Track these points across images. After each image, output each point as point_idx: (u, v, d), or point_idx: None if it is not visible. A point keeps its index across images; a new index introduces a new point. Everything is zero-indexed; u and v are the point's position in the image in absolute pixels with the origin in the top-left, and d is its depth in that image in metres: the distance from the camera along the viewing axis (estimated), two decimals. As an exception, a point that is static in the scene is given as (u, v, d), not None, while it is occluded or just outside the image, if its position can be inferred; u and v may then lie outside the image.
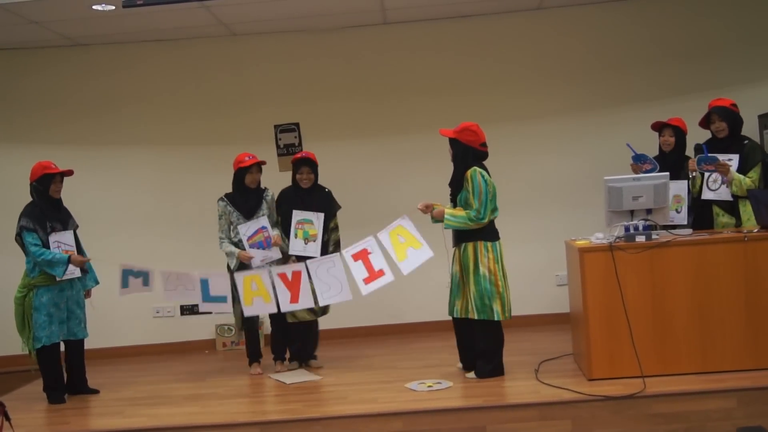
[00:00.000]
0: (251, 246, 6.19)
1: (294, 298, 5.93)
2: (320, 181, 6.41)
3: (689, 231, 5.74)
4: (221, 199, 6.36)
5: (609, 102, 7.55)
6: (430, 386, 5.61)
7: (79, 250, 6.17)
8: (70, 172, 6.10)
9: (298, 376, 6.20)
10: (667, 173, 5.63)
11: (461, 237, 5.66)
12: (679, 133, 6.16)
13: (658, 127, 6.25)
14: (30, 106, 7.78)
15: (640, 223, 5.44)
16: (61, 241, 5.98)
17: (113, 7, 6.50)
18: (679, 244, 5.37)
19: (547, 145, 7.61)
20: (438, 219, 5.64)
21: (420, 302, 7.47)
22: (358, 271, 5.79)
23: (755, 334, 5.31)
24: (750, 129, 7.02)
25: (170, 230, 7.72)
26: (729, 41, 7.46)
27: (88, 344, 6.30)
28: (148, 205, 7.75)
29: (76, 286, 6.12)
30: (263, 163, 6.39)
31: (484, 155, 5.74)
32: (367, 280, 5.78)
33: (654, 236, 5.42)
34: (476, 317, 5.59)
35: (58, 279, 5.89)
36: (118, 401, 5.96)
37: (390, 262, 5.83)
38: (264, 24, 7.46)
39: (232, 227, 6.31)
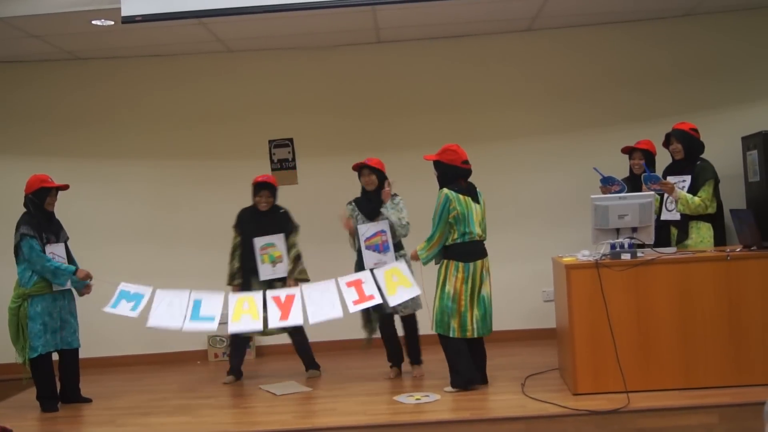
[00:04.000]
0: (367, 248, 6.30)
1: (284, 316, 6.01)
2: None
3: (674, 249, 5.86)
4: (350, 203, 6.48)
5: (596, 122, 7.67)
6: (418, 399, 5.68)
7: (71, 261, 6.25)
8: (65, 187, 6.20)
9: (289, 388, 6.27)
10: (653, 193, 5.75)
11: (447, 254, 5.84)
12: (649, 156, 6.38)
13: (628, 150, 6.49)
14: (29, 118, 7.87)
15: (626, 241, 5.54)
16: (55, 253, 6.07)
17: (112, 23, 6.60)
18: (663, 262, 5.47)
19: (536, 163, 7.72)
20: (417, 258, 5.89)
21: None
22: (350, 294, 5.95)
23: (737, 351, 5.41)
24: (733, 150, 7.20)
25: (165, 243, 7.78)
26: (714, 65, 7.59)
27: (82, 354, 6.35)
28: (143, 217, 7.82)
29: (68, 296, 6.20)
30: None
31: (467, 172, 5.91)
32: (356, 302, 5.93)
33: (639, 254, 5.53)
34: (434, 331, 5.86)
35: (53, 288, 5.97)
36: (111, 410, 6.02)
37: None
38: (259, 41, 7.57)
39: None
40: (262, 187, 6.52)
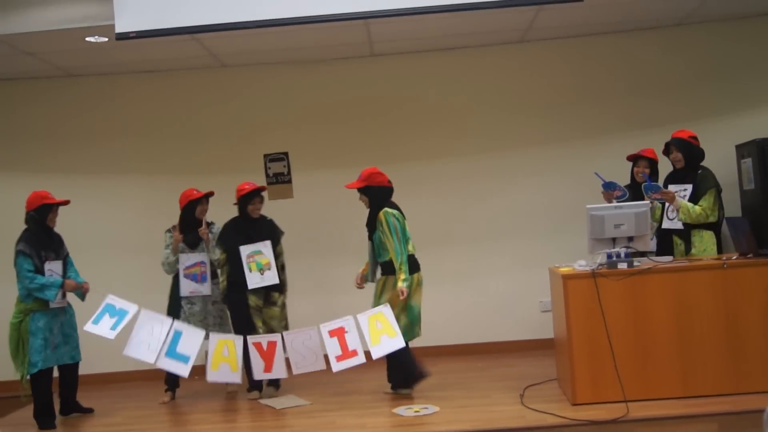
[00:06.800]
0: (185, 276, 6.52)
1: (267, 368, 5.96)
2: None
3: (670, 258, 5.88)
4: (168, 230, 6.63)
5: (590, 131, 7.70)
6: (417, 411, 5.67)
7: (67, 273, 6.24)
8: (66, 202, 6.23)
9: (288, 402, 6.25)
10: (648, 202, 5.77)
11: (385, 270, 6.12)
12: (653, 164, 6.42)
13: (633, 158, 6.51)
14: (23, 135, 7.87)
15: (622, 251, 5.56)
16: (53, 270, 6.09)
17: (106, 39, 6.61)
18: (660, 271, 5.49)
19: (531, 173, 7.75)
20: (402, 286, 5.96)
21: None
22: (333, 347, 5.87)
23: (735, 360, 5.42)
24: (728, 159, 7.22)
25: (159, 259, 7.76)
26: (707, 74, 7.63)
27: (79, 370, 6.34)
28: (138, 233, 7.78)
29: (68, 311, 6.22)
30: (211, 194, 6.67)
31: (392, 190, 6.25)
32: (339, 358, 5.85)
33: (636, 263, 5.54)
34: None
35: (51, 305, 5.96)
36: (107, 427, 6.00)
37: (363, 342, 5.91)
38: (253, 56, 7.59)
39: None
40: (256, 194, 6.52)
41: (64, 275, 6.22)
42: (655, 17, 7.34)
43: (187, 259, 6.58)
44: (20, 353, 5.99)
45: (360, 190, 6.23)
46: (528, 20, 7.05)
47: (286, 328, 6.50)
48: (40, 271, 5.99)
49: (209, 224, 6.65)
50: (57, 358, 6.09)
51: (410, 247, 6.12)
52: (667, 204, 6.12)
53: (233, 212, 6.63)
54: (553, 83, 7.77)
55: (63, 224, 6.41)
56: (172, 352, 5.91)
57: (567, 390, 5.68)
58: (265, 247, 6.46)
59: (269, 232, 6.56)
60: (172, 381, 6.61)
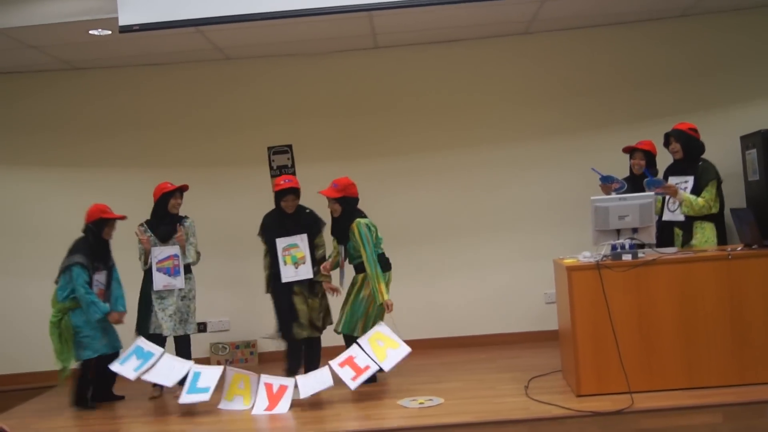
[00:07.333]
0: (159, 270, 6.51)
1: (270, 407, 5.88)
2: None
3: (674, 249, 5.88)
4: (141, 224, 6.62)
5: (594, 123, 7.68)
6: (421, 403, 5.68)
7: (111, 286, 6.45)
8: (123, 218, 6.41)
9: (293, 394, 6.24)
10: (653, 193, 5.76)
11: (359, 270, 6.35)
12: (650, 156, 6.41)
13: (629, 150, 6.53)
14: (27, 128, 7.87)
15: (627, 242, 5.55)
16: (99, 280, 6.35)
17: (110, 32, 6.61)
18: (664, 263, 5.48)
19: (535, 165, 7.74)
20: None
21: (411, 320, 7.51)
22: (346, 373, 5.90)
23: (740, 350, 5.41)
24: (732, 150, 7.22)
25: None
26: (711, 64, 7.61)
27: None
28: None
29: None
30: (185, 188, 6.64)
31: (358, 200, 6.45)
32: (354, 378, 5.87)
33: (640, 255, 5.53)
34: (339, 330, 6.39)
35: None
36: (113, 419, 6.06)
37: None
38: (257, 48, 7.59)
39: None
40: (287, 193, 6.44)
41: (108, 285, 6.43)
42: (658, 9, 7.32)
43: (160, 252, 6.54)
44: (65, 348, 6.21)
45: (335, 199, 6.30)
46: (532, 12, 7.03)
47: (324, 323, 6.52)
48: (90, 282, 6.21)
49: (182, 218, 6.64)
50: (104, 346, 6.29)
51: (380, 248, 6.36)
52: (667, 196, 6.12)
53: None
54: (556, 75, 7.75)
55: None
56: (192, 389, 5.98)
57: (571, 381, 5.69)
58: (302, 240, 6.42)
59: (308, 224, 6.50)
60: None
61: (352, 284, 6.39)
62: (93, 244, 6.30)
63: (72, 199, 7.51)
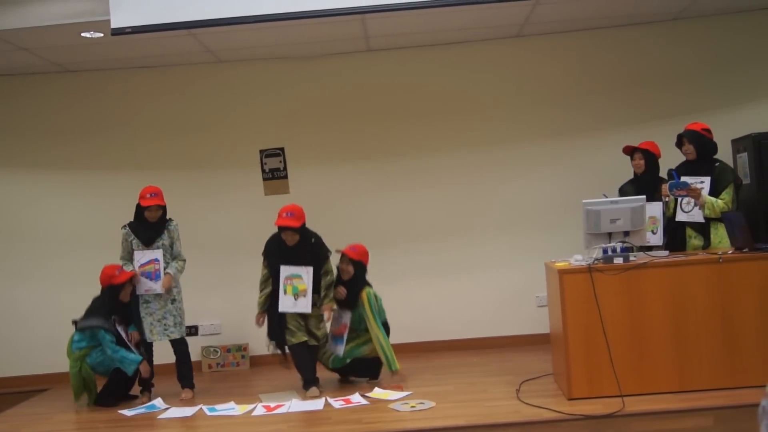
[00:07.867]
0: (141, 274, 6.48)
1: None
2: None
3: (666, 253, 5.89)
4: (124, 226, 6.58)
5: (587, 126, 7.69)
6: (413, 406, 5.68)
7: (130, 324, 6.55)
8: (132, 275, 6.40)
9: (286, 398, 6.24)
10: (644, 196, 5.77)
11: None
12: (650, 156, 6.40)
13: (629, 150, 6.52)
14: (18, 130, 7.85)
15: (618, 245, 5.56)
16: (121, 330, 6.44)
17: (102, 35, 6.59)
18: (656, 266, 5.50)
19: (527, 168, 7.74)
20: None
21: (403, 324, 7.51)
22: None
23: (731, 354, 5.43)
24: (724, 153, 7.18)
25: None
26: (703, 68, 7.63)
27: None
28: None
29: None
30: (162, 204, 6.53)
31: None
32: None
33: (631, 258, 5.54)
34: (394, 368, 6.41)
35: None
36: (107, 423, 6.02)
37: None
38: (249, 51, 7.58)
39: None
40: (283, 230, 6.27)
41: (127, 328, 6.52)
42: (650, 12, 7.34)
43: (142, 256, 6.49)
44: (85, 390, 6.44)
45: (353, 261, 6.40)
46: (524, 15, 7.04)
47: (324, 331, 6.50)
48: (118, 336, 6.33)
49: (167, 221, 6.59)
50: (134, 354, 6.35)
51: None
52: (680, 197, 6.13)
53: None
54: (549, 78, 7.76)
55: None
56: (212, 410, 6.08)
57: (563, 385, 5.69)
58: (307, 273, 6.27)
59: (313, 256, 6.33)
60: (144, 382, 6.57)
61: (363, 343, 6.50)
62: (110, 305, 6.34)
63: (63, 201, 7.50)
